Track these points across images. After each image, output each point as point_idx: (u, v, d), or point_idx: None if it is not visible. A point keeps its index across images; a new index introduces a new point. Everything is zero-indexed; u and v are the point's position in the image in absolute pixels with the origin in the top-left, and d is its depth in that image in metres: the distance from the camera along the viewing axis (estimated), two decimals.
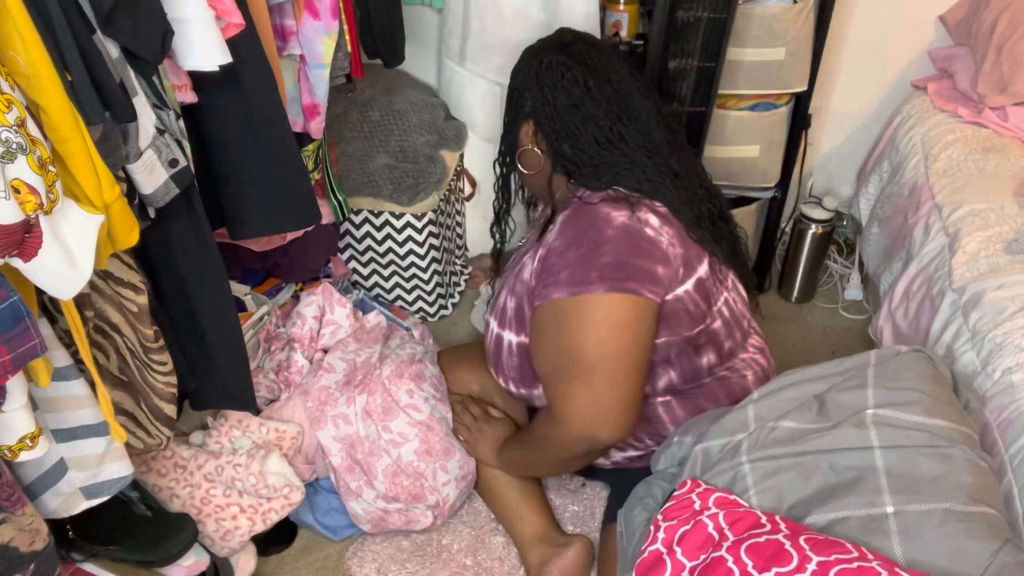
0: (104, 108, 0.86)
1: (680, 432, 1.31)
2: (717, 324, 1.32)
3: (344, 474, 1.52)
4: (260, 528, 1.44)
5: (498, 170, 1.48)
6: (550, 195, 1.38)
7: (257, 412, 1.55)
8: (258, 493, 1.43)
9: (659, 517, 1.15)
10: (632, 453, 1.41)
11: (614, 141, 1.29)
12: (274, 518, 1.45)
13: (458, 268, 2.21)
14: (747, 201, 2.11)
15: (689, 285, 1.25)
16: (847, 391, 1.18)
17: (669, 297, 1.23)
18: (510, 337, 1.37)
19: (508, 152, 1.42)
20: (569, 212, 1.27)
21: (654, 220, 1.22)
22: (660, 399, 1.35)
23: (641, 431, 1.37)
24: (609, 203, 1.24)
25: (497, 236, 1.58)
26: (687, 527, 1.11)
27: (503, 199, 1.52)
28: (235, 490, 1.42)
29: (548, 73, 1.30)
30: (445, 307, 2.12)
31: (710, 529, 1.09)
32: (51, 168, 0.78)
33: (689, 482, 1.18)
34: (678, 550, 1.09)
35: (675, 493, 1.17)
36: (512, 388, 1.43)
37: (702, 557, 1.07)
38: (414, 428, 1.51)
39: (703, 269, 1.27)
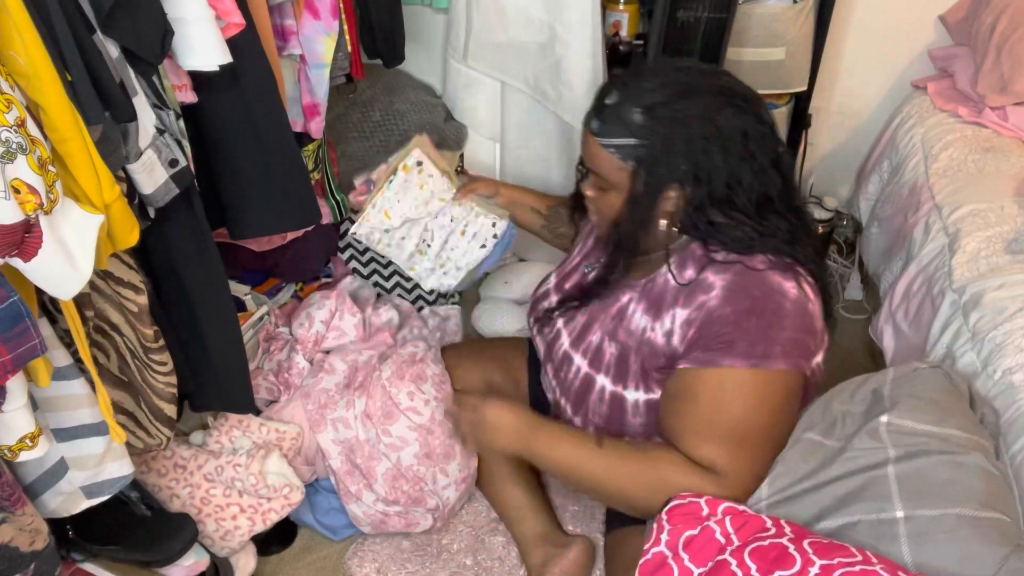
0: (104, 108, 0.86)
1: None
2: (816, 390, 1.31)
3: (343, 477, 1.52)
4: (260, 528, 1.44)
5: (615, 243, 1.26)
6: (666, 248, 1.24)
7: (256, 413, 1.55)
8: (258, 493, 1.43)
9: (663, 517, 1.15)
10: None
11: (773, 199, 1.18)
12: (274, 518, 1.45)
13: None
14: None
15: (820, 356, 1.22)
16: (865, 405, 1.20)
17: (813, 368, 1.21)
18: (604, 383, 1.30)
19: (640, 226, 1.21)
20: (733, 277, 1.16)
21: (811, 293, 1.18)
22: None
23: None
24: (777, 271, 1.15)
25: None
26: (694, 532, 1.11)
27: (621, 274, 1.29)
28: (235, 490, 1.42)
29: (706, 128, 1.13)
30: (454, 306, 2.12)
31: (717, 535, 1.10)
32: (51, 168, 0.78)
33: None
34: (685, 556, 1.09)
35: (681, 492, 1.18)
36: (592, 429, 1.36)
37: (709, 564, 1.07)
38: (414, 432, 1.51)
39: (826, 335, 1.24)
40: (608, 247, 1.28)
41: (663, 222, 1.21)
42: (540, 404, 1.56)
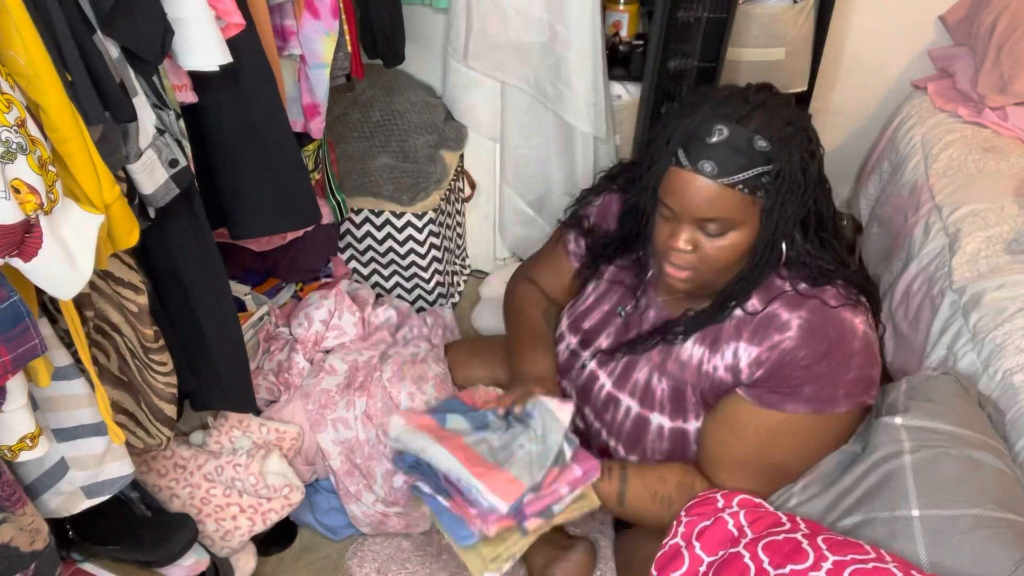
0: (104, 108, 0.86)
1: None
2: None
3: (343, 477, 1.52)
4: (260, 528, 1.44)
5: (717, 288, 1.20)
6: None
7: (257, 413, 1.55)
8: (258, 493, 1.43)
9: (682, 513, 1.16)
10: None
11: (838, 227, 1.20)
12: (274, 518, 1.45)
13: (458, 268, 2.21)
14: None
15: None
16: (882, 412, 1.21)
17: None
18: (661, 421, 1.28)
19: (772, 267, 1.16)
20: (809, 316, 1.13)
21: (871, 321, 1.18)
22: None
23: None
24: (848, 308, 1.14)
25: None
26: (707, 523, 1.12)
27: (644, 269, 1.28)
28: (235, 490, 1.42)
29: (813, 152, 1.11)
30: (445, 306, 2.12)
31: (730, 526, 1.10)
32: (51, 168, 0.78)
33: None
34: (697, 544, 1.10)
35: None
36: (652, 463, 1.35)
37: (721, 553, 1.07)
38: None
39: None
40: (720, 292, 1.20)
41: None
42: None
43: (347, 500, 1.53)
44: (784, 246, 1.14)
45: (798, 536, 1.03)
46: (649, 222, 1.20)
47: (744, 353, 1.18)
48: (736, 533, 1.09)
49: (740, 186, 1.08)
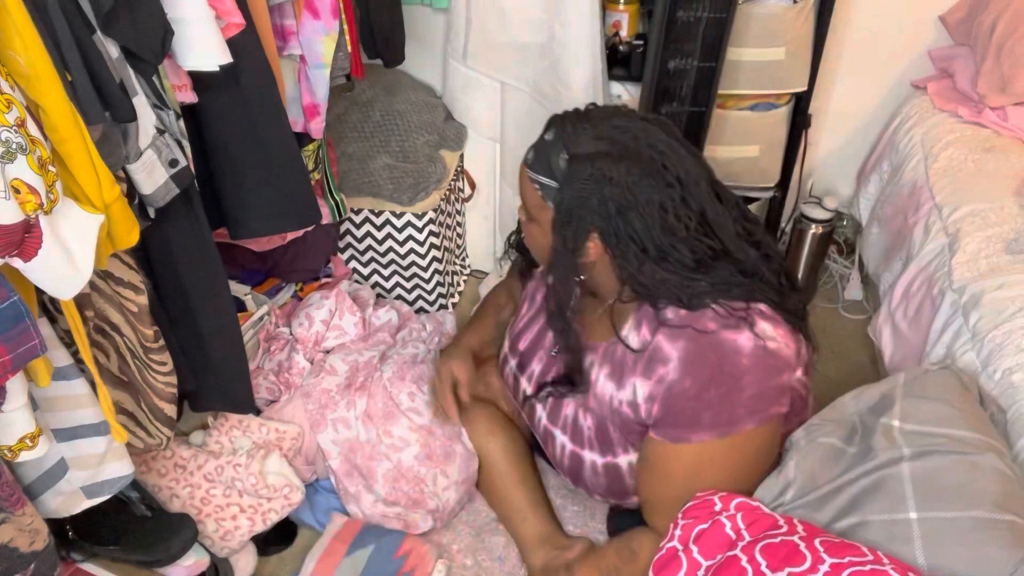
0: (104, 108, 0.86)
1: None
2: (810, 396, 1.32)
3: (343, 478, 1.52)
4: (260, 528, 1.44)
5: (555, 288, 1.24)
6: (612, 309, 1.25)
7: (257, 413, 1.55)
8: (258, 493, 1.43)
9: (679, 516, 1.16)
10: None
11: (716, 254, 1.18)
12: (274, 518, 1.45)
13: (458, 268, 2.21)
14: (747, 201, 2.11)
15: (800, 371, 1.23)
16: (878, 408, 1.21)
17: (793, 396, 1.22)
18: (593, 457, 1.31)
19: (574, 274, 1.21)
20: (687, 345, 1.15)
21: (768, 329, 1.16)
22: None
23: None
24: (728, 328, 1.14)
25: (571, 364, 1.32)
26: (704, 525, 1.12)
27: (563, 321, 1.26)
28: (235, 490, 1.42)
29: (624, 195, 1.12)
30: (446, 306, 2.12)
31: (727, 529, 1.10)
32: (51, 168, 0.78)
33: None
34: (694, 548, 1.10)
35: (698, 493, 1.19)
36: (598, 497, 1.42)
37: (718, 557, 1.07)
38: (415, 432, 1.51)
39: (804, 348, 1.24)
40: (547, 294, 1.26)
41: (600, 269, 1.21)
42: None
43: (347, 500, 1.53)
44: (620, 269, 1.17)
45: (795, 539, 1.03)
46: None
47: (639, 388, 1.21)
48: (734, 536, 1.09)
49: (536, 185, 1.20)
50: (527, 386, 1.43)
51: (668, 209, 1.13)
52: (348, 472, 1.52)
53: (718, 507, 1.15)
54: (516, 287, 1.60)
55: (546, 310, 1.29)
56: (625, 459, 1.29)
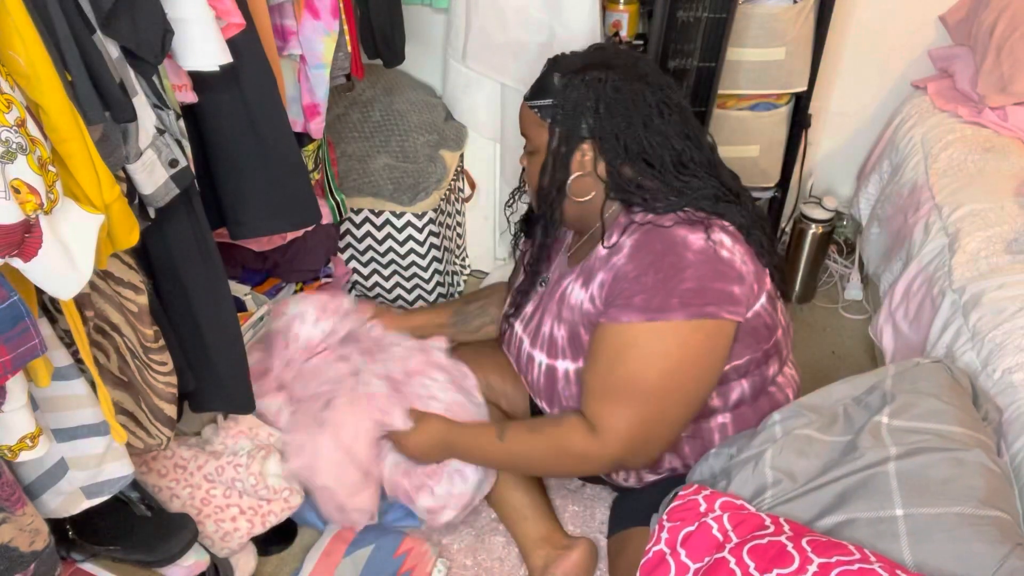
0: (104, 108, 0.86)
1: (720, 445, 1.32)
2: (780, 332, 1.33)
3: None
4: (259, 530, 1.44)
5: (541, 203, 1.35)
6: (600, 217, 1.31)
7: (255, 412, 1.54)
8: (258, 494, 1.43)
9: (664, 517, 1.16)
10: (667, 474, 1.40)
11: (687, 163, 1.26)
12: (273, 521, 1.45)
13: (458, 267, 2.21)
14: None
15: (764, 299, 1.25)
16: (866, 402, 1.20)
17: (749, 315, 1.24)
18: (565, 365, 1.35)
19: (559, 182, 1.30)
20: (640, 236, 1.23)
21: (727, 240, 1.21)
22: (721, 418, 1.34)
23: (692, 452, 1.36)
24: (684, 225, 1.21)
25: (531, 268, 1.46)
26: (691, 528, 1.12)
27: (549, 231, 1.39)
28: (235, 491, 1.42)
29: (612, 92, 1.24)
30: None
31: (715, 531, 1.10)
32: (51, 168, 0.78)
33: (695, 485, 1.20)
34: (682, 551, 1.10)
35: (680, 493, 1.19)
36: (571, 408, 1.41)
37: (706, 559, 1.07)
38: (443, 404, 1.47)
39: (769, 278, 1.28)
40: (539, 208, 1.37)
41: (583, 181, 1.29)
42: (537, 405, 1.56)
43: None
44: (607, 175, 1.27)
45: (782, 539, 1.03)
46: None
47: (597, 281, 1.27)
48: (721, 538, 1.09)
49: (536, 110, 1.31)
50: (521, 330, 1.45)
51: (652, 106, 1.24)
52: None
53: (703, 508, 1.14)
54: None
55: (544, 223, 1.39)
56: None
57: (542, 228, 1.42)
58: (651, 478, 1.41)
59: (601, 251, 1.28)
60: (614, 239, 1.26)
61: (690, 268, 1.18)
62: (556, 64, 1.31)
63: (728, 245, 1.21)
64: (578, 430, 1.25)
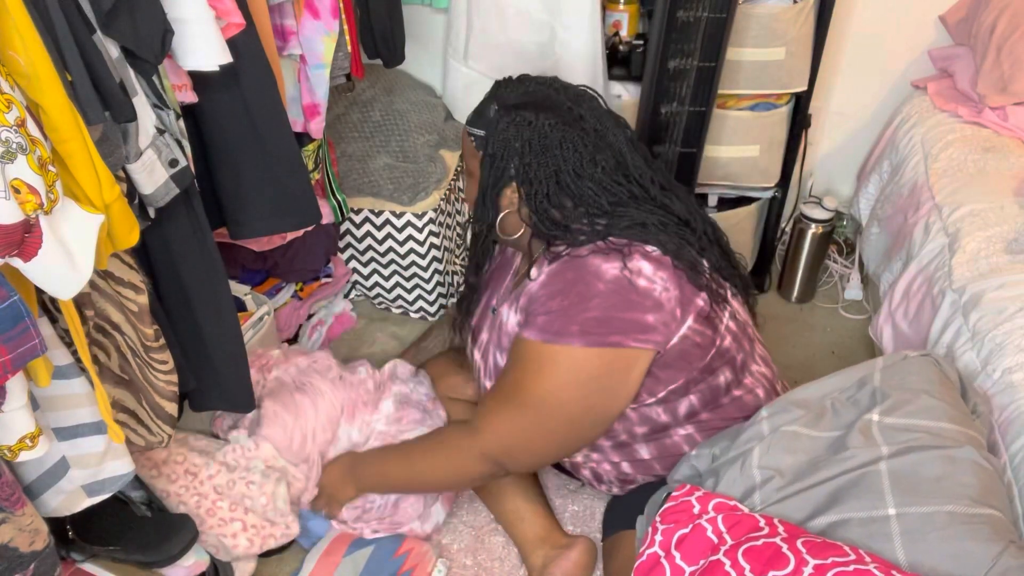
0: (104, 108, 0.86)
1: (700, 446, 1.32)
2: (727, 341, 1.31)
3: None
4: (256, 550, 1.43)
5: (473, 234, 1.43)
6: (528, 252, 1.33)
7: (253, 410, 1.53)
8: (265, 515, 1.42)
9: (657, 519, 1.16)
10: (644, 483, 1.41)
11: (625, 203, 1.26)
12: (271, 544, 1.44)
13: (458, 268, 2.21)
14: (747, 201, 2.11)
15: (690, 321, 1.24)
16: (855, 397, 1.20)
17: (674, 340, 1.23)
18: None
19: (489, 218, 1.32)
20: (557, 266, 1.24)
21: (647, 268, 1.20)
22: (682, 430, 1.34)
23: (661, 466, 1.37)
24: (599, 255, 1.21)
25: (464, 307, 1.51)
26: (685, 530, 1.11)
27: (476, 267, 1.48)
28: (242, 507, 1.42)
29: (540, 139, 1.23)
30: (445, 306, 2.12)
31: (709, 533, 1.10)
32: (51, 168, 0.78)
33: (688, 485, 1.19)
34: (677, 554, 1.09)
35: (673, 494, 1.18)
36: None
37: (701, 562, 1.07)
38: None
39: (702, 299, 1.25)
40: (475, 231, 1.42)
41: (511, 219, 1.31)
42: None
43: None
44: (531, 216, 1.27)
45: (777, 540, 1.03)
46: None
47: (520, 305, 1.31)
48: (716, 540, 1.08)
49: (471, 138, 1.32)
50: (480, 360, 1.46)
51: (582, 152, 1.24)
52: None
53: (696, 509, 1.14)
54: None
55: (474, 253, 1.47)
56: None
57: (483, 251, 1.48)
58: (630, 487, 1.43)
59: (529, 282, 1.29)
60: (542, 269, 1.27)
61: (597, 298, 1.19)
62: (498, 91, 1.32)
63: (647, 273, 1.19)
64: (460, 427, 1.33)
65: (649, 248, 1.22)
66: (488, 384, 1.42)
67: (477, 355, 1.46)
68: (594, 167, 1.24)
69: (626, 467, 1.39)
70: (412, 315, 2.12)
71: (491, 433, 1.28)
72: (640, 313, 1.19)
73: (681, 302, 1.22)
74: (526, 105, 1.26)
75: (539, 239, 1.29)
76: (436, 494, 1.53)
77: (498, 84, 1.34)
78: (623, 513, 1.40)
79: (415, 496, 1.50)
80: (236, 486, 1.42)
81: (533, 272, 1.28)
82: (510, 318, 1.34)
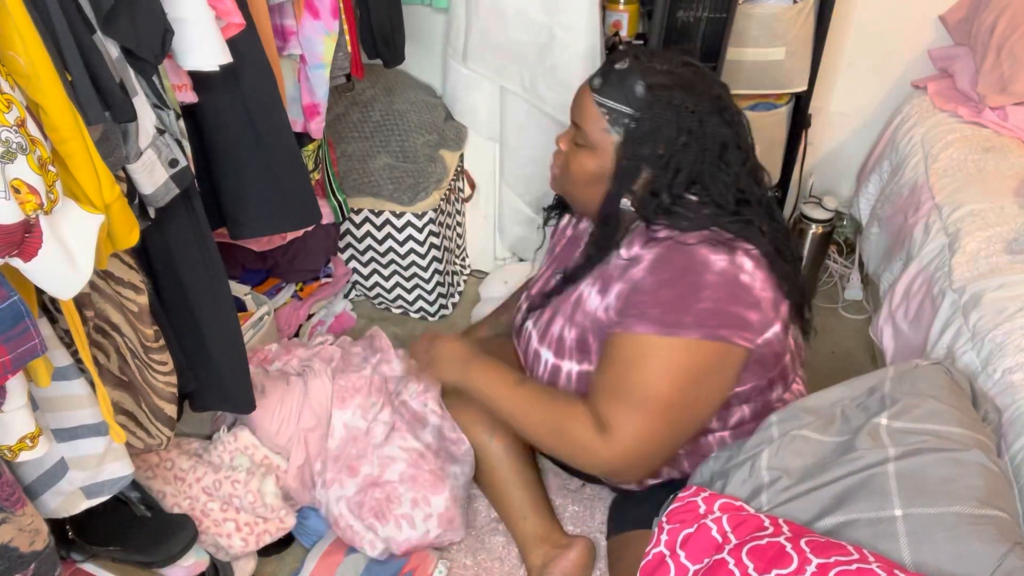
0: (104, 108, 0.86)
1: (718, 451, 1.32)
2: (788, 358, 1.32)
3: (331, 460, 1.50)
4: (253, 548, 1.43)
5: (577, 199, 1.34)
6: (624, 229, 1.29)
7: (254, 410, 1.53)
8: (255, 512, 1.42)
9: (663, 520, 1.16)
10: (667, 480, 1.40)
11: (751, 202, 1.24)
12: (267, 539, 1.44)
13: (458, 267, 2.21)
14: None
15: (777, 327, 1.23)
16: (865, 403, 1.20)
17: (760, 341, 1.22)
18: (570, 366, 1.34)
19: (615, 197, 1.26)
20: (662, 251, 1.21)
21: (748, 264, 1.19)
22: (720, 434, 1.34)
23: (689, 463, 1.37)
24: (707, 245, 1.18)
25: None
26: (691, 530, 1.12)
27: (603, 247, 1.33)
28: (232, 506, 1.42)
29: (696, 126, 1.19)
30: (446, 307, 2.12)
31: (714, 533, 1.10)
32: (51, 168, 0.78)
33: (694, 487, 1.20)
34: (682, 553, 1.10)
35: (679, 495, 1.19)
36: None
37: (706, 561, 1.07)
38: (405, 452, 1.50)
39: (785, 308, 1.25)
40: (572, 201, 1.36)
41: (626, 200, 1.26)
42: None
43: (320, 482, 1.51)
44: (657, 195, 1.22)
45: (781, 540, 1.03)
46: None
47: (615, 291, 1.26)
48: (720, 539, 1.09)
49: (604, 111, 1.22)
50: (531, 326, 1.42)
51: (727, 147, 1.21)
52: (336, 458, 1.51)
53: (702, 509, 1.14)
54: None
55: (594, 229, 1.35)
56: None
57: (565, 218, 1.45)
58: (651, 482, 1.41)
59: (619, 260, 1.26)
60: (635, 250, 1.24)
61: (708, 289, 1.16)
62: (639, 63, 1.21)
63: (749, 270, 1.18)
64: (587, 422, 1.23)
65: (749, 246, 1.20)
66: (545, 351, 1.37)
67: (531, 322, 1.42)
68: (729, 162, 1.22)
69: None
70: (412, 315, 2.12)
71: (623, 442, 1.20)
72: (744, 309, 1.18)
73: (774, 304, 1.22)
74: (678, 87, 1.19)
75: (639, 220, 1.26)
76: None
77: (628, 54, 1.24)
78: (633, 513, 1.40)
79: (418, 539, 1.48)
80: (223, 486, 1.42)
81: (624, 252, 1.25)
82: (591, 296, 1.29)
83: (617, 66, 1.22)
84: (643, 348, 1.19)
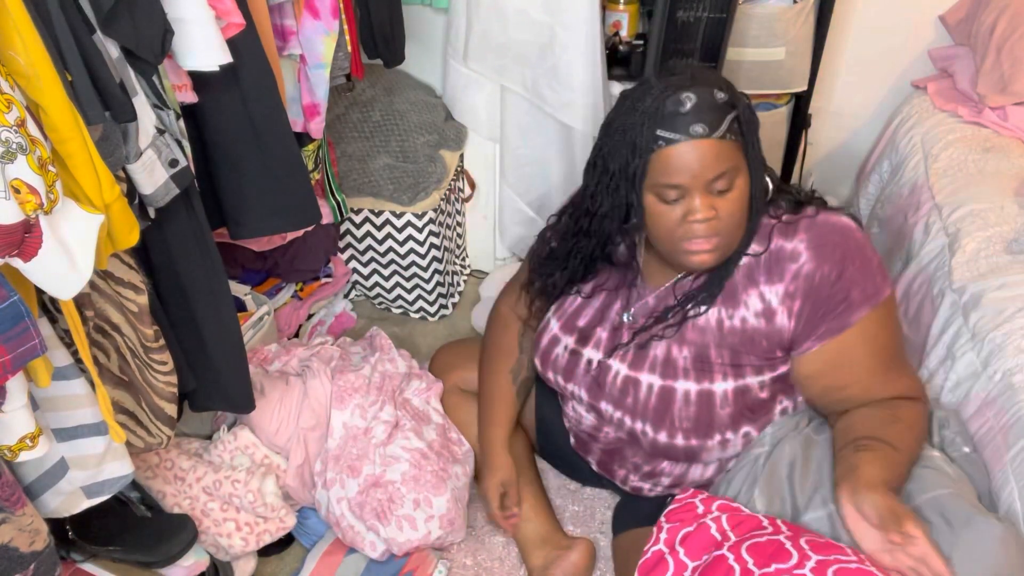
0: (104, 108, 0.86)
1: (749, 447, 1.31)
2: None
3: (331, 460, 1.50)
4: (253, 547, 1.43)
5: (733, 239, 1.23)
6: (747, 232, 1.26)
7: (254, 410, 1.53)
8: (255, 511, 1.42)
9: (662, 519, 1.17)
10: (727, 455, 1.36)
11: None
12: (267, 539, 1.44)
13: (458, 267, 2.21)
14: None
15: None
16: None
17: None
18: (687, 387, 1.27)
19: (760, 200, 1.23)
20: (807, 235, 1.21)
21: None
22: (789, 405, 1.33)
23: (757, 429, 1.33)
24: (825, 211, 1.25)
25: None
26: (690, 528, 1.12)
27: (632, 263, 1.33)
28: (232, 506, 1.42)
29: (753, 115, 1.21)
30: (446, 307, 2.12)
31: (713, 531, 1.11)
32: (51, 168, 0.78)
33: (692, 489, 1.22)
34: (680, 550, 1.10)
35: (677, 497, 1.19)
36: (680, 441, 1.29)
37: (705, 557, 1.08)
38: (407, 452, 1.50)
39: None
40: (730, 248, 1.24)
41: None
42: (541, 406, 1.56)
43: (320, 483, 1.51)
44: (768, 180, 1.24)
45: (781, 538, 1.04)
46: (637, 221, 1.22)
47: (771, 294, 1.22)
48: (719, 537, 1.10)
49: (727, 135, 1.15)
50: (595, 353, 1.36)
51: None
52: (337, 457, 1.50)
53: (700, 510, 1.15)
54: (519, 328, 1.55)
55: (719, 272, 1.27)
56: (721, 386, 1.26)
57: (616, 268, 1.35)
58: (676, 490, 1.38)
59: (744, 261, 1.24)
60: (755, 247, 1.23)
61: (867, 246, 1.23)
62: (697, 90, 1.14)
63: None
64: (918, 409, 1.24)
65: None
66: (646, 376, 1.30)
67: (597, 354, 1.36)
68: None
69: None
70: (412, 315, 2.12)
71: (924, 390, 1.28)
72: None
73: None
74: (746, 103, 1.20)
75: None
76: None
77: (691, 75, 1.17)
78: (644, 511, 1.38)
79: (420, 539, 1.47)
80: (223, 486, 1.42)
81: (755, 247, 1.23)
82: (711, 313, 1.26)
83: (688, 107, 1.14)
84: (871, 329, 1.21)
